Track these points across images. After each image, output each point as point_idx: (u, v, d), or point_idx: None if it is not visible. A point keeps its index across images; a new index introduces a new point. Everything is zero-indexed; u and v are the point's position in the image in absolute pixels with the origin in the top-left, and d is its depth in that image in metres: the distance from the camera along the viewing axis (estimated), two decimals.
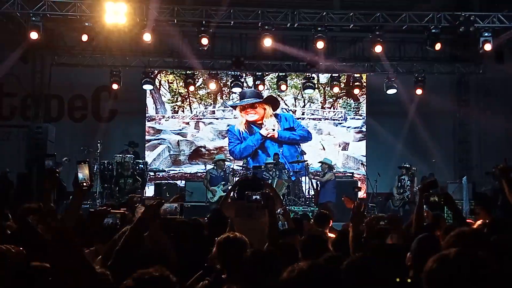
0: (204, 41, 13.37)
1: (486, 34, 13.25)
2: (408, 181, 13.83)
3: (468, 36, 13.84)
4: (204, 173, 14.81)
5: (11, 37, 14.05)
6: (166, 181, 15.44)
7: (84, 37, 13.15)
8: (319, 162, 14.98)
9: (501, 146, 15.85)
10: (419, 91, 15.81)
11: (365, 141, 17.25)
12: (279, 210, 8.22)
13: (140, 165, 14.06)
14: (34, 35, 12.52)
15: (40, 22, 12.64)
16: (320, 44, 13.52)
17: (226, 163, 15.20)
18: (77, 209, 4.06)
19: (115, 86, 15.47)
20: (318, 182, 14.39)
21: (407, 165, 14.08)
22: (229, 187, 13.45)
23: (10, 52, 14.58)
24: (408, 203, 13.73)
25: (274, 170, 14.01)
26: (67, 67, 15.72)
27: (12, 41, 14.10)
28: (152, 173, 15.71)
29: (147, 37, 13.05)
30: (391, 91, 15.99)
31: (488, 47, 13.25)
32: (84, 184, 3.90)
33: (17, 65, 14.80)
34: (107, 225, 3.94)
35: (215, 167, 13.94)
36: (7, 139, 15.82)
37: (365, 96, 17.27)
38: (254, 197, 4.89)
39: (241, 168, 15.69)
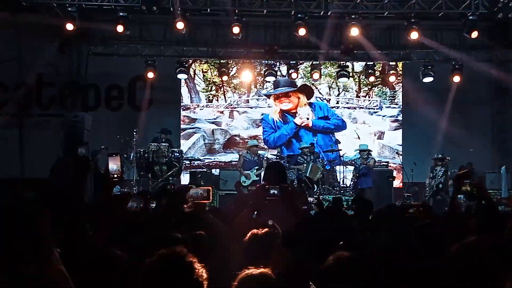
0: (236, 29, 13.39)
1: None
2: (441, 172, 13.58)
3: (506, 22, 13.47)
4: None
5: (49, 28, 14.31)
6: (201, 170, 15.54)
7: (120, 28, 13.31)
8: (356, 150, 14.82)
9: None
10: (456, 79, 15.47)
11: (401, 130, 17.02)
12: (311, 199, 8.25)
13: (175, 153, 14.20)
14: (70, 26, 12.78)
15: (76, 12, 12.85)
16: (354, 31, 13.38)
17: (260, 151, 15.25)
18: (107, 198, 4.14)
19: (150, 75, 15.64)
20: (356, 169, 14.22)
21: (440, 156, 13.82)
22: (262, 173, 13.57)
23: (49, 43, 14.92)
24: (439, 192, 13.48)
25: (309, 155, 13.98)
26: (103, 56, 15.95)
27: (50, 32, 14.38)
28: (187, 162, 15.85)
29: (180, 25, 13.16)
30: (428, 79, 15.72)
31: None
32: (115, 175, 3.99)
33: (55, 56, 15.10)
34: (132, 209, 4.01)
35: (248, 152, 14.00)
36: (46, 128, 16.15)
37: (401, 84, 17.02)
38: (272, 191, 4.85)
39: (275, 157, 15.68)
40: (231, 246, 4.19)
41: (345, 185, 14.83)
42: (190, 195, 4.31)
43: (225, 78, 16.29)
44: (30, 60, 15.31)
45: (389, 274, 2.86)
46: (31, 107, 16.37)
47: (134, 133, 14.26)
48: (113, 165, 4.03)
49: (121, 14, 13.18)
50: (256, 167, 13.51)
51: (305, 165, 13.51)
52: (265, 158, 14.71)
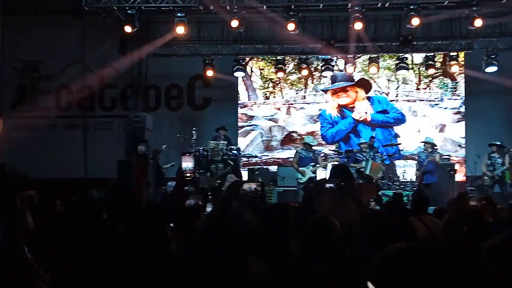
0: (291, 26, 13.35)
1: None
2: (499, 159, 13.04)
3: None
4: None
5: (109, 30, 14.73)
6: (259, 166, 15.61)
7: (180, 30, 13.48)
8: (422, 142, 14.46)
9: None
10: None
11: (464, 122, 16.54)
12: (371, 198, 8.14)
13: (233, 151, 14.33)
14: (128, 29, 13.11)
15: (136, 14, 13.16)
16: (415, 21, 13.08)
17: (318, 147, 15.18)
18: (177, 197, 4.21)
19: (209, 73, 15.83)
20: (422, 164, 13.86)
21: (498, 143, 13.27)
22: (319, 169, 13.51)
23: (109, 44, 15.35)
24: (499, 182, 12.98)
25: (368, 151, 13.77)
26: (163, 57, 16.26)
27: (111, 34, 14.80)
28: (245, 159, 15.97)
29: (234, 23, 13.25)
30: (491, 69, 15.21)
31: None
32: (188, 174, 4.09)
33: (116, 57, 15.51)
34: (189, 206, 4.08)
35: (304, 148, 13.93)
36: (110, 128, 16.67)
37: (463, 75, 16.53)
38: (327, 185, 4.79)
39: (333, 152, 15.59)
40: None
41: (405, 180, 14.56)
42: (244, 190, 4.34)
43: (281, 74, 16.28)
44: (93, 63, 15.81)
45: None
46: (94, 109, 16.90)
47: (194, 132, 14.48)
48: (187, 164, 4.13)
49: (179, 14, 13.37)
50: (312, 164, 13.44)
51: (364, 162, 13.32)
52: (321, 154, 14.63)
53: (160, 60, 16.37)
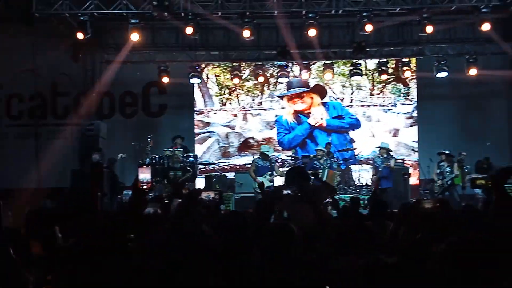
0: (246, 33, 13.38)
1: None
2: (448, 168, 13.41)
3: None
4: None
5: (62, 38, 14.43)
6: (216, 173, 15.56)
7: (135, 37, 13.32)
8: (377, 147, 14.67)
9: None
10: (473, 71, 15.30)
11: (416, 126, 16.89)
12: (327, 200, 8.19)
13: (190, 158, 14.23)
14: (80, 36, 12.90)
15: (88, 21, 12.95)
16: (368, 27, 13.29)
17: (275, 153, 15.25)
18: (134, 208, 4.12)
19: (165, 80, 15.69)
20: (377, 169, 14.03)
21: (446, 152, 13.63)
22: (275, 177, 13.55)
23: (62, 51, 15.04)
24: (448, 189, 13.32)
25: (325, 159, 13.88)
26: (116, 64, 16.02)
27: (64, 42, 14.49)
28: (202, 166, 15.89)
29: (189, 30, 13.21)
30: (442, 74, 15.60)
31: None
32: (145, 186, 4.01)
33: (69, 64, 15.21)
34: (149, 214, 4.02)
35: (260, 157, 13.95)
36: (62, 137, 16.27)
37: (415, 80, 16.90)
38: (286, 192, 4.81)
39: (290, 158, 15.69)
40: None
41: (360, 184, 14.76)
42: (202, 198, 4.32)
43: (236, 81, 16.28)
44: (45, 70, 15.46)
45: None
46: (47, 117, 16.51)
47: (149, 139, 14.32)
48: (144, 175, 4.05)
49: (133, 21, 13.22)
50: (269, 173, 13.48)
51: (321, 170, 13.44)
52: (278, 160, 14.69)
53: (114, 67, 16.10)
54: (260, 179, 13.31)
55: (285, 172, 13.27)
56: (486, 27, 12.98)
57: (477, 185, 4.76)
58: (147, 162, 14.15)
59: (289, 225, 3.90)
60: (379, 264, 2.45)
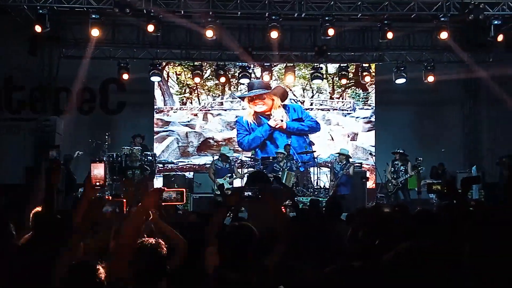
0: (209, 33, 13.33)
1: (496, 22, 13.12)
2: (402, 166, 13.59)
3: (478, 24, 13.66)
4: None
5: (19, 30, 14.06)
6: (175, 173, 15.43)
7: (95, 32, 13.07)
8: (337, 153, 14.76)
9: (511, 136, 15.74)
10: (430, 79, 15.61)
11: (374, 131, 17.15)
12: (287, 202, 8.22)
13: (148, 157, 14.06)
14: (38, 29, 12.56)
15: (47, 14, 12.64)
16: (330, 31, 13.39)
17: (235, 154, 15.23)
18: (85, 206, 4.01)
19: (125, 77, 15.44)
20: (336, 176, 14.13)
21: (401, 151, 13.81)
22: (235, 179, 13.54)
23: (18, 45, 14.67)
24: (401, 189, 13.52)
25: (285, 161, 13.92)
26: (75, 59, 15.71)
27: (20, 34, 14.12)
28: (160, 165, 15.73)
29: (150, 28, 13.06)
30: (400, 81, 15.87)
31: (500, 38, 13.17)
32: (97, 182, 3.90)
33: (25, 58, 14.83)
34: (106, 213, 3.93)
35: (220, 159, 13.91)
36: (17, 133, 15.85)
37: (374, 86, 17.15)
38: (246, 193, 4.80)
39: (249, 159, 15.69)
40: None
41: (319, 187, 14.88)
42: (163, 197, 4.26)
43: (197, 79, 16.17)
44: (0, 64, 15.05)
45: None
46: (1, 111, 16.06)
47: (107, 137, 14.09)
48: (97, 172, 3.93)
49: (93, 16, 12.98)
50: (229, 175, 13.43)
51: (280, 173, 13.50)
52: (238, 161, 14.67)
53: (72, 62, 15.80)
54: (219, 181, 13.26)
55: (246, 175, 13.33)
56: (444, 35, 13.27)
57: (433, 190, 4.88)
58: (104, 160, 13.92)
59: (247, 226, 3.89)
60: (346, 269, 2.46)
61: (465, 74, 16.70)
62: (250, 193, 4.82)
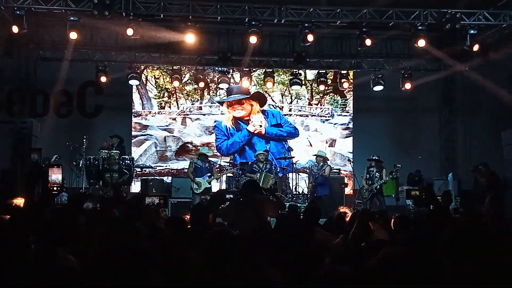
0: (189, 38, 13.30)
1: (472, 31, 13.32)
2: (377, 173, 13.72)
3: (454, 33, 13.87)
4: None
5: None
6: (153, 177, 15.34)
7: (73, 35, 12.94)
8: (314, 155, 14.83)
9: (487, 144, 15.99)
10: (408, 86, 15.78)
11: (352, 137, 17.28)
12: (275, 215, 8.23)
13: (126, 161, 13.97)
14: (15, 29, 12.37)
15: (24, 15, 12.48)
16: (310, 37, 13.45)
17: (214, 158, 15.20)
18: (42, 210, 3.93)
19: (103, 79, 15.30)
20: (313, 177, 14.20)
21: (376, 157, 13.92)
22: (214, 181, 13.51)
23: None
24: (376, 195, 13.63)
25: (264, 163, 13.89)
26: (53, 61, 15.55)
27: None
28: (138, 169, 15.63)
29: (130, 31, 12.96)
30: (378, 88, 16.02)
31: (476, 47, 13.37)
32: (55, 187, 3.85)
33: (2, 59, 14.63)
34: (87, 209, 3.92)
35: (199, 158, 13.82)
36: None
37: (352, 92, 17.29)
38: (227, 196, 4.83)
39: (228, 164, 15.67)
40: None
41: (297, 192, 14.92)
42: (146, 203, 4.26)
43: (176, 83, 16.11)
44: None
45: None
46: None
47: (84, 140, 13.98)
48: (55, 177, 3.87)
49: (72, 18, 12.86)
50: (208, 174, 13.39)
51: (259, 174, 13.49)
52: (216, 166, 14.64)
53: (49, 64, 15.65)
54: (199, 180, 13.18)
55: (225, 180, 13.33)
56: (421, 43, 13.43)
57: (412, 196, 4.95)
58: (81, 163, 13.80)
59: (230, 232, 3.89)
60: (335, 274, 2.47)
61: (442, 82, 16.96)
62: (231, 196, 4.86)
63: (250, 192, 5.00)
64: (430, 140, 17.14)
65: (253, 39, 13.43)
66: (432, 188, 5.37)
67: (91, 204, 3.95)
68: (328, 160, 15.12)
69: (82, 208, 3.87)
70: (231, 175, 14.38)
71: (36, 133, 13.55)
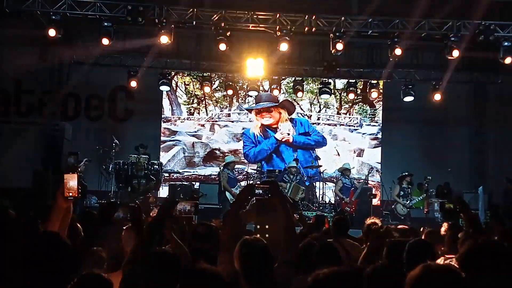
0: (222, 46, 13.42)
1: (506, 43, 13.15)
2: (408, 189, 13.69)
3: (487, 44, 13.70)
4: (218, 175, 14.86)
5: (30, 35, 14.14)
6: (180, 183, 15.43)
7: (105, 41, 13.15)
8: (346, 169, 14.91)
9: None
10: (437, 97, 15.61)
11: (380, 148, 17.15)
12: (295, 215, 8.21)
13: (154, 166, 14.09)
14: (52, 32, 12.58)
15: (60, 20, 12.72)
16: (339, 46, 13.42)
17: (241, 166, 15.25)
18: (57, 218, 3.95)
19: (133, 84, 15.44)
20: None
21: (406, 173, 13.92)
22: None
23: (30, 49, 14.76)
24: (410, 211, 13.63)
25: (295, 174, 13.92)
26: (85, 66, 15.79)
27: (32, 39, 14.22)
28: (166, 174, 15.74)
29: (164, 39, 13.08)
30: (408, 99, 15.88)
31: (508, 60, 13.19)
32: (70, 193, 3.87)
33: (36, 63, 14.92)
34: (118, 219, 3.95)
35: (228, 168, 13.91)
36: (24, 136, 15.90)
37: (381, 102, 17.18)
38: (257, 191, 4.81)
39: (255, 171, 15.67)
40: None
41: (324, 202, 14.87)
42: (178, 209, 4.29)
43: (207, 90, 16.25)
44: (10, 67, 15.13)
45: None
46: (9, 115, 16.13)
47: (114, 144, 14.14)
48: (72, 183, 3.89)
49: (105, 24, 13.06)
50: (239, 184, 13.46)
51: (288, 184, 13.51)
52: (243, 175, 14.70)
53: (82, 68, 15.89)
54: (234, 191, 13.31)
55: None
56: (455, 53, 13.27)
57: (446, 209, 4.89)
58: (110, 167, 13.96)
59: (263, 242, 3.86)
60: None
61: (473, 94, 16.75)
62: (260, 191, 4.85)
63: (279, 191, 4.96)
64: (460, 152, 16.90)
65: (284, 46, 13.46)
66: (465, 202, 5.28)
67: (121, 213, 3.98)
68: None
69: (112, 218, 3.91)
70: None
71: (68, 136, 13.75)
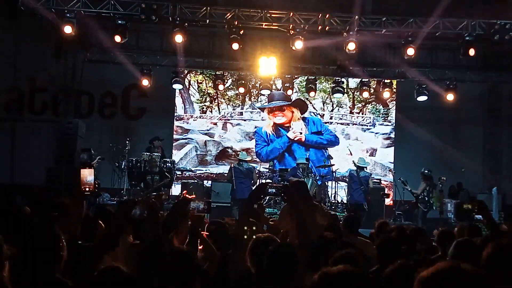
0: (235, 46, 13.44)
1: None
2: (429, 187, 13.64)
3: (502, 44, 13.58)
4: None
5: (44, 33, 14.23)
6: (193, 181, 15.45)
7: (118, 38, 13.22)
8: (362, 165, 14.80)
9: None
10: (450, 97, 15.51)
11: (393, 147, 17.07)
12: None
13: (167, 164, 14.12)
14: (68, 29, 12.65)
15: (74, 18, 12.79)
16: (351, 46, 13.39)
17: (253, 164, 15.25)
18: (80, 212, 3.99)
19: (145, 82, 15.49)
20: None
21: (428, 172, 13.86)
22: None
23: (43, 47, 14.84)
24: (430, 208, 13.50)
25: (306, 171, 13.88)
26: (99, 64, 15.87)
27: (46, 37, 14.31)
28: (179, 172, 15.76)
29: (178, 38, 13.11)
30: (422, 98, 15.80)
31: None
32: (87, 188, 3.92)
33: (50, 61, 15.01)
34: (135, 216, 3.97)
35: (238, 164, 13.96)
36: (38, 134, 16.02)
37: (394, 102, 17.09)
38: (270, 190, 4.81)
39: (267, 170, 15.65)
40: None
41: (336, 201, 14.82)
42: (191, 207, 4.30)
43: (221, 87, 16.29)
44: (24, 65, 15.24)
45: None
46: (23, 112, 16.24)
47: (127, 142, 14.19)
48: (90, 178, 3.95)
49: (119, 22, 13.11)
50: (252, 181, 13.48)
51: (305, 179, 13.46)
52: (256, 171, 14.68)
53: (96, 66, 15.97)
54: None
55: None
56: (471, 52, 13.17)
57: (464, 209, 4.87)
58: (123, 164, 14.01)
59: (290, 246, 3.84)
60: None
61: (487, 94, 16.62)
62: (273, 190, 4.84)
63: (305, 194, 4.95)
64: (473, 152, 16.79)
65: (298, 44, 13.43)
66: (484, 203, 5.25)
67: (138, 211, 4.00)
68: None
69: (131, 216, 3.92)
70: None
71: (81, 133, 13.82)
